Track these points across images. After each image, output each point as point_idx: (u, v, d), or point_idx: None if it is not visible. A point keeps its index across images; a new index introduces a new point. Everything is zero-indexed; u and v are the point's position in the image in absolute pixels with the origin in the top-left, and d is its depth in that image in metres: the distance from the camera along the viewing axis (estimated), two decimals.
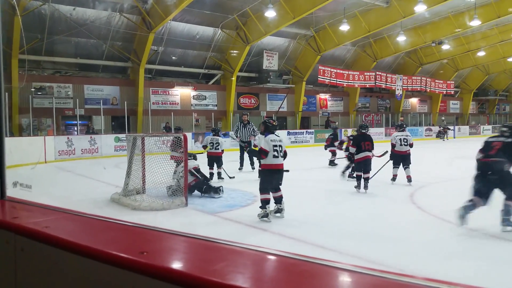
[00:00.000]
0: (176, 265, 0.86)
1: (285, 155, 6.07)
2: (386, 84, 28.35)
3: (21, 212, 1.46)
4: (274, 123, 6.16)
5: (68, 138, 16.54)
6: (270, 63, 24.42)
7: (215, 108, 24.18)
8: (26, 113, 17.21)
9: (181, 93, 23.09)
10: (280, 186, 6.01)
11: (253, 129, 11.19)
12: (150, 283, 0.81)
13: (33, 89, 18.51)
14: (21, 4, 15.67)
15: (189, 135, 18.57)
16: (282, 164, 6.04)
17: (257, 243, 0.97)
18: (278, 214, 6.03)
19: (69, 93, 19.67)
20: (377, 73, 27.59)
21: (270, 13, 18.16)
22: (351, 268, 0.77)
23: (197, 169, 8.18)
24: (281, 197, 6.01)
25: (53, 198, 7.35)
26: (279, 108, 26.69)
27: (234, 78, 23.35)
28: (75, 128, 19.50)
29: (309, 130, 25.06)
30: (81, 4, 17.69)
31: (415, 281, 0.71)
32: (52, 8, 17.26)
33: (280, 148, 5.95)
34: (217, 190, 7.69)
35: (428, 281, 0.70)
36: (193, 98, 23.56)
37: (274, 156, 5.89)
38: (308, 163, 14.39)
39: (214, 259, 0.88)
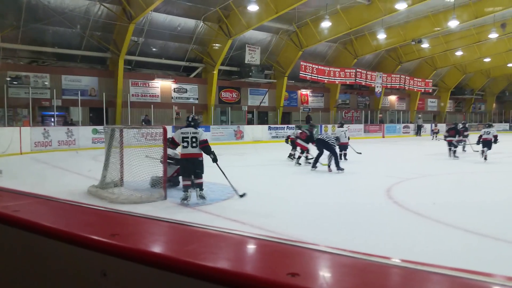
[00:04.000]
0: (147, 246, 0.85)
1: (203, 147, 6.70)
2: (366, 81, 28.65)
3: None
4: (189, 121, 6.87)
5: (44, 129, 16.18)
6: (252, 57, 24.36)
7: (196, 101, 24.02)
8: (1, 103, 16.74)
9: (162, 86, 22.84)
10: (201, 174, 6.70)
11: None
12: (120, 264, 0.80)
13: (8, 79, 18.00)
14: None
15: (169, 129, 18.38)
16: (193, 153, 6.69)
17: None
18: (200, 200, 6.70)
19: (46, 83, 19.21)
20: (358, 70, 27.86)
21: (253, 7, 18.10)
22: (321, 248, 0.78)
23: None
24: (200, 184, 6.72)
25: (26, 188, 7.18)
26: (260, 103, 26.71)
27: (215, 72, 23.21)
28: (52, 119, 19.08)
29: (290, 125, 25.16)
30: None
31: (391, 262, 0.72)
32: None
33: (194, 139, 6.66)
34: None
35: (404, 262, 0.71)
36: (174, 91, 23.34)
37: (184, 147, 6.71)
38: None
39: (187, 241, 0.88)
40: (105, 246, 0.84)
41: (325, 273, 0.70)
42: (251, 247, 0.85)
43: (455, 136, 14.53)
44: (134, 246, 0.83)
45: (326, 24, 21.22)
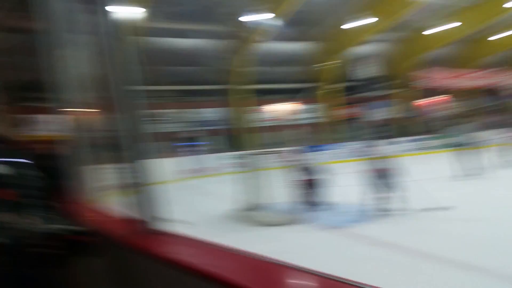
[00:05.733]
0: None
1: None
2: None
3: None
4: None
5: (190, 158, 17.84)
6: (367, 70, 23.75)
7: (317, 120, 24.33)
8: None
9: (282, 109, 23.70)
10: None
11: None
12: None
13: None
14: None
15: (301, 149, 18.61)
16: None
17: None
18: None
19: (184, 117, 21.34)
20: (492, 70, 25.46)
21: (361, 22, 17.92)
22: None
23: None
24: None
25: (179, 214, 7.56)
26: (384, 117, 25.67)
27: (329, 90, 23.32)
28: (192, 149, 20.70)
29: None
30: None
31: None
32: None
33: None
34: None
35: None
36: (294, 113, 24.03)
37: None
38: None
39: None
40: None
41: None
42: None
43: None
44: None
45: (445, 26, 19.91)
